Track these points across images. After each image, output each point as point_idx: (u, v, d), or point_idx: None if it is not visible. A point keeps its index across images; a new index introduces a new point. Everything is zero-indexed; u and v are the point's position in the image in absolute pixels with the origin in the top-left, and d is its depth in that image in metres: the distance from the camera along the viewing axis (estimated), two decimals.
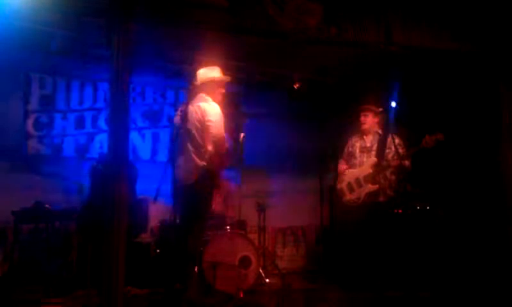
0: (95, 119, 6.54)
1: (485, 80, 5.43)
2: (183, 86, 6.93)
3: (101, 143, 6.44)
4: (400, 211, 5.53)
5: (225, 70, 6.35)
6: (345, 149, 5.74)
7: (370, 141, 5.55)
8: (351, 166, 5.59)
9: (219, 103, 4.66)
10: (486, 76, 5.37)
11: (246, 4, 4.29)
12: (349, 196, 5.49)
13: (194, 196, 4.49)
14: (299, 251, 7.45)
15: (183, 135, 4.57)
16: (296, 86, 6.76)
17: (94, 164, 5.59)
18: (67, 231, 5.53)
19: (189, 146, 4.55)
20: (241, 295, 4.92)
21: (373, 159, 5.39)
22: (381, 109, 5.58)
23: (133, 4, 3.93)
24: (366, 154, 5.52)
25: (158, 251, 5.43)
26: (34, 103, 6.20)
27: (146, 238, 5.68)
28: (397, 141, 5.40)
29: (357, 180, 5.43)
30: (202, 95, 4.68)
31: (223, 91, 4.79)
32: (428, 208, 5.71)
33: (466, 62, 5.33)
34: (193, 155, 4.52)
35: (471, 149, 5.65)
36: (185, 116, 4.59)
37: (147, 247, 5.44)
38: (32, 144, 6.16)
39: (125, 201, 3.78)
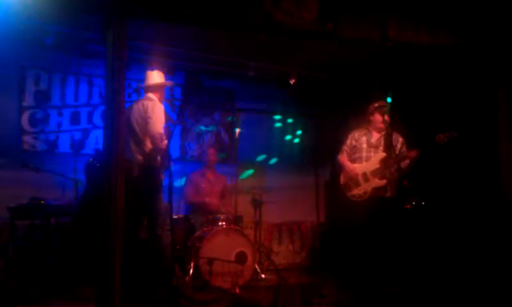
0: (90, 115, 6.53)
1: (481, 76, 5.44)
2: (178, 82, 6.94)
3: (96, 139, 6.43)
4: (408, 206, 5.52)
5: (221, 65, 6.44)
6: (348, 142, 5.62)
7: (377, 137, 5.48)
8: (355, 160, 5.51)
9: (162, 102, 4.96)
10: (482, 72, 5.39)
11: None
12: (354, 191, 5.41)
13: (136, 192, 4.61)
14: (295, 247, 7.46)
15: (126, 131, 4.72)
16: (292, 82, 6.77)
17: (89, 160, 5.57)
18: (63, 227, 5.51)
19: (131, 142, 4.74)
20: (237, 291, 4.93)
21: (382, 154, 5.31)
22: (387, 106, 5.52)
23: (127, 0, 3.92)
24: (373, 149, 5.45)
25: (153, 247, 5.42)
26: (29, 99, 6.18)
27: (142, 233, 5.66)
28: (400, 139, 5.41)
29: (364, 174, 5.35)
30: (149, 95, 4.94)
31: (164, 94, 5.17)
32: (423, 204, 5.73)
33: (462, 58, 5.34)
34: (134, 152, 4.73)
35: (469, 145, 5.65)
36: (129, 114, 4.78)
37: (143, 243, 5.43)
38: (28, 140, 6.15)
39: (121, 198, 3.78)
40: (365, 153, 5.48)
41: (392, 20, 4.76)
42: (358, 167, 5.43)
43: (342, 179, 5.59)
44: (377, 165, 5.31)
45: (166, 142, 4.74)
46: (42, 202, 5.25)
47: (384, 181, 5.28)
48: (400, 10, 4.79)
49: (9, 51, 5.66)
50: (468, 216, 5.52)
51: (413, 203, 5.87)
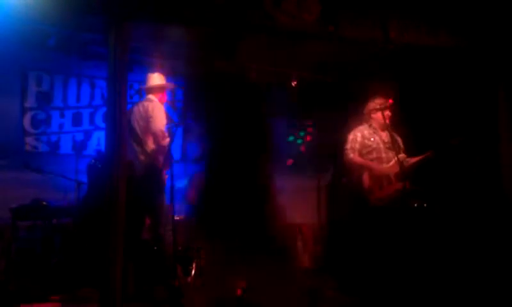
0: (92, 117, 6.54)
1: (481, 76, 5.43)
2: (180, 84, 6.94)
3: (98, 140, 6.44)
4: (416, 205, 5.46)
5: (222, 67, 6.43)
6: (358, 140, 5.36)
7: (386, 136, 5.32)
8: (372, 160, 5.29)
9: (163, 104, 5.07)
10: (482, 73, 5.38)
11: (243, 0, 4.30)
12: (377, 194, 5.20)
13: (138, 192, 4.64)
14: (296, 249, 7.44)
15: (128, 133, 4.77)
16: (293, 84, 6.75)
17: (91, 161, 5.58)
18: (65, 228, 5.53)
19: (133, 144, 4.81)
20: (239, 293, 4.92)
21: (402, 155, 5.11)
22: (387, 105, 5.41)
23: (129, 1, 3.93)
24: (389, 150, 5.31)
25: (155, 247, 5.42)
26: (31, 101, 6.20)
27: (144, 234, 5.67)
28: (398, 138, 5.34)
29: (387, 176, 5.17)
30: (149, 96, 5.03)
31: (166, 96, 5.26)
32: (425, 205, 5.70)
33: (462, 58, 5.33)
34: (136, 152, 4.81)
35: (470, 145, 5.62)
36: (130, 115, 4.86)
37: (145, 243, 5.43)
38: (30, 141, 6.16)
39: (123, 199, 3.79)
40: (384, 154, 5.29)
41: (392, 20, 4.77)
42: (383, 169, 5.20)
43: (366, 180, 5.26)
44: (398, 168, 5.11)
45: (168, 140, 4.79)
46: (44, 203, 5.27)
47: (402, 184, 5.08)
48: (400, 10, 4.80)
49: (11, 53, 5.67)
50: (470, 216, 5.50)
51: (415, 205, 5.83)
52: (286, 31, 4.47)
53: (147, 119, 4.81)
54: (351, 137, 5.41)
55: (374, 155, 5.32)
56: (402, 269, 4.98)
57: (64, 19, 5.05)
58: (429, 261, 5.29)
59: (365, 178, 5.26)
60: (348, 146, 5.39)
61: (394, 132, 5.33)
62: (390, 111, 5.33)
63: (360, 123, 5.52)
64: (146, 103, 4.94)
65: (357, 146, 5.37)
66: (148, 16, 4.11)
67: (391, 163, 5.20)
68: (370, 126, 5.43)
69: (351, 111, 6.31)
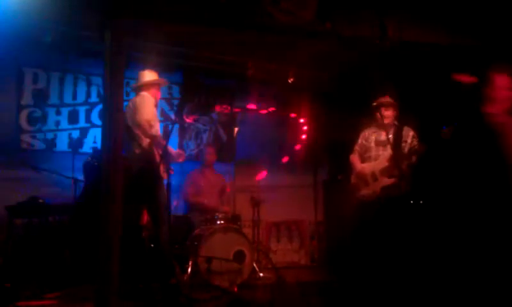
0: (88, 114, 6.53)
1: (481, 75, 5.43)
2: (176, 81, 6.94)
3: (95, 138, 6.43)
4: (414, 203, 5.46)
5: (219, 63, 6.44)
6: (359, 142, 5.50)
7: (385, 134, 5.33)
8: (364, 160, 5.37)
9: (157, 100, 5.18)
10: (483, 71, 5.39)
11: None
12: (364, 191, 5.26)
13: (136, 189, 4.67)
14: (293, 245, 7.47)
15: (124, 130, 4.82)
16: (290, 81, 6.76)
17: (88, 159, 5.58)
18: (61, 225, 5.52)
19: (129, 140, 4.84)
20: (235, 290, 4.93)
21: (389, 152, 5.21)
22: (388, 102, 5.41)
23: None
24: (382, 147, 5.30)
25: (152, 245, 5.42)
26: (27, 98, 6.18)
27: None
28: (411, 133, 5.33)
29: (372, 173, 5.20)
30: (141, 93, 5.07)
31: (159, 92, 5.31)
32: (421, 202, 5.70)
33: (462, 57, 5.34)
34: (132, 147, 4.84)
35: (473, 143, 5.61)
36: (125, 113, 4.87)
37: (142, 241, 5.43)
38: (26, 138, 6.15)
39: (119, 196, 3.78)
40: (374, 152, 5.34)
41: (390, 18, 4.77)
42: (367, 167, 5.28)
43: (352, 179, 5.46)
44: (386, 164, 5.16)
45: (155, 128, 4.84)
46: (40, 201, 5.26)
47: (392, 180, 5.13)
48: (398, 7, 4.80)
49: (7, 50, 5.66)
50: (472, 215, 5.50)
51: (411, 202, 5.83)
52: (284, 29, 4.47)
53: (134, 111, 4.86)
54: (356, 139, 5.57)
55: (367, 153, 5.42)
56: (392, 265, 5.01)
57: (60, 16, 5.05)
58: (423, 260, 5.31)
59: (352, 176, 5.44)
60: (353, 148, 5.56)
61: (408, 127, 5.31)
62: (388, 110, 5.34)
63: (370, 124, 5.55)
64: (134, 98, 5.03)
65: (357, 147, 5.52)
66: (145, 13, 4.11)
67: (377, 160, 5.27)
68: (374, 126, 5.47)
69: (350, 109, 6.30)
